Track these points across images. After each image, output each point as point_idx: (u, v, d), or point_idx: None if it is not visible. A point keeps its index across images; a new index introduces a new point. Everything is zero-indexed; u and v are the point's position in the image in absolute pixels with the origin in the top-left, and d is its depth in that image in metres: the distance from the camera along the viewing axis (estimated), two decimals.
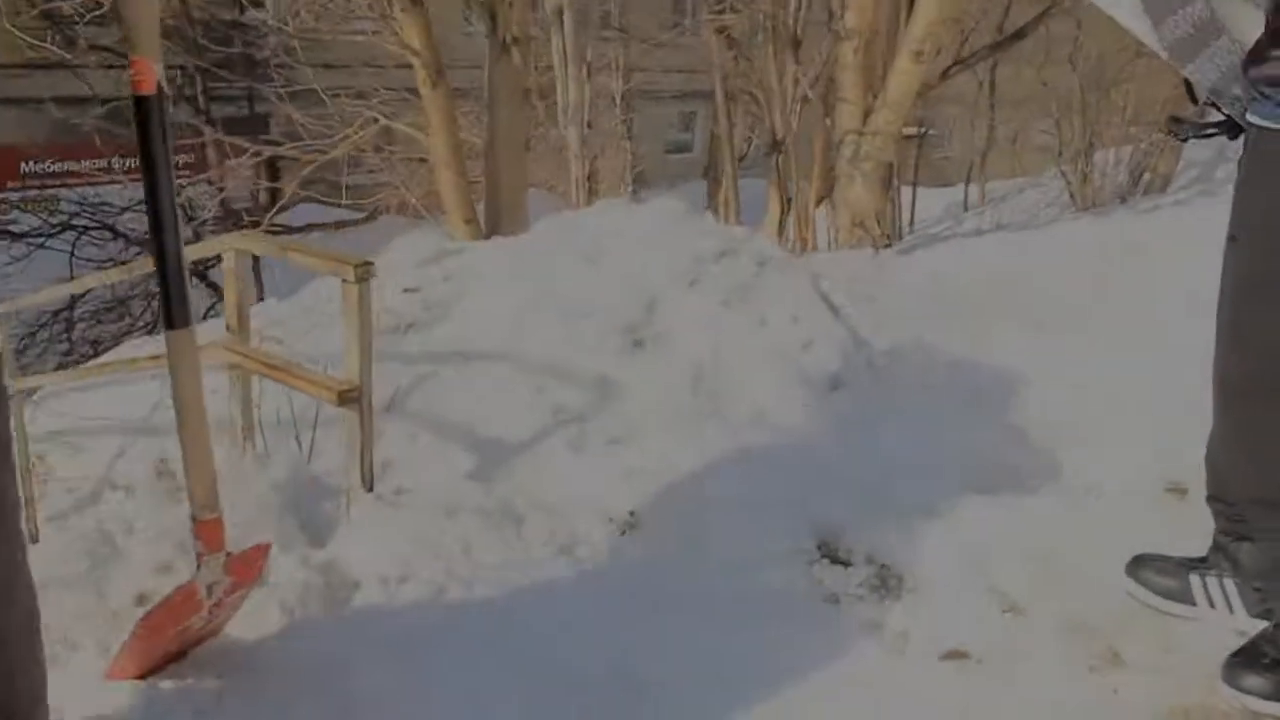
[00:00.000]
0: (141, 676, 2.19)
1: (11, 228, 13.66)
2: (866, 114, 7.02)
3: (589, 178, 7.08)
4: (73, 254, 12.94)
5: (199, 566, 2.12)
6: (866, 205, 7.08)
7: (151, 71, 1.70)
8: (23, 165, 16.84)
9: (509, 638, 2.48)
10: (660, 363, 3.72)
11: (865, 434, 3.34)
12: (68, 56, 10.99)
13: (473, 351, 3.97)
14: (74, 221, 13.26)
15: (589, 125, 7.03)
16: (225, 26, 12.66)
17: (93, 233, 13.15)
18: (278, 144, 9.65)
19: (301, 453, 3.59)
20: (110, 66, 14.89)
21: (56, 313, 12.71)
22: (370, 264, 2.91)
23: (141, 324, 13.41)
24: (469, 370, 3.86)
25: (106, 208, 13.55)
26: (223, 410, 3.59)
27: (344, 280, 2.92)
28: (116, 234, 13.21)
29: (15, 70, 12.89)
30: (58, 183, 18.23)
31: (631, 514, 3.07)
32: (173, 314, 1.87)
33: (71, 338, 12.95)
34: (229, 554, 2.15)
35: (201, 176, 11.34)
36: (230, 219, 13.53)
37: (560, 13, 6.12)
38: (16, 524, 1.41)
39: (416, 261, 5.26)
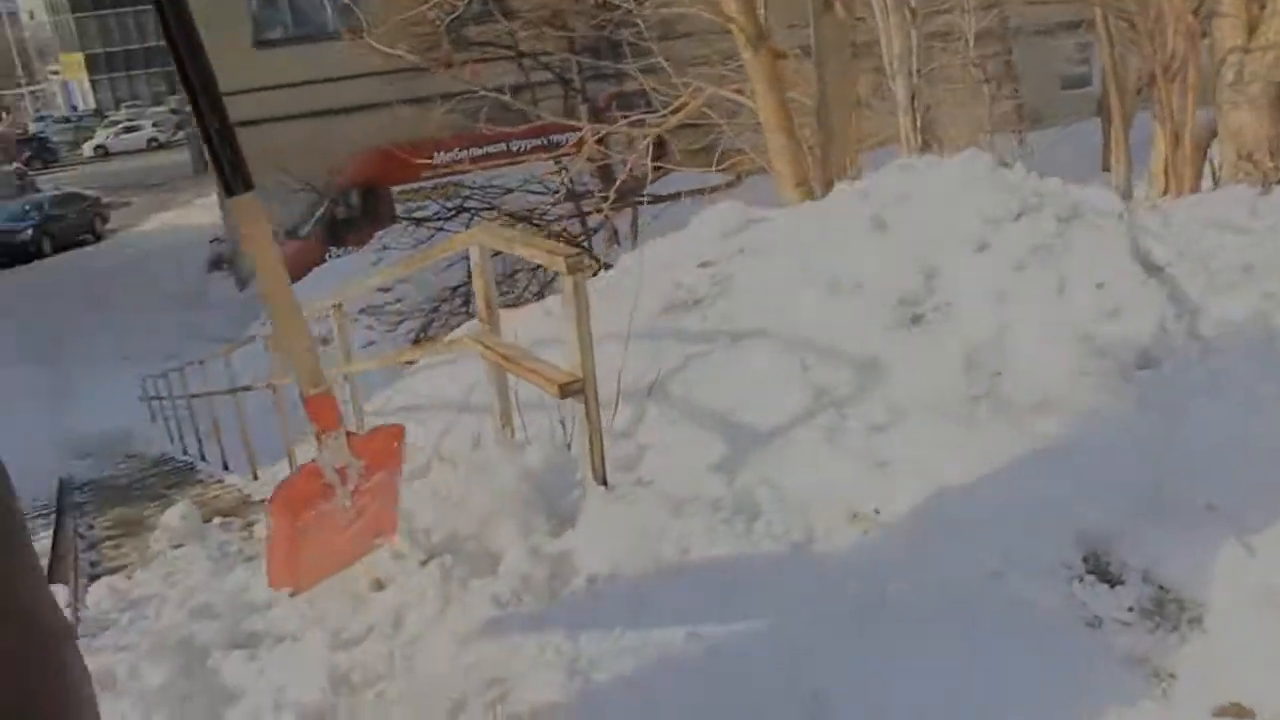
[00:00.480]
0: (304, 588, 2.19)
1: (417, 213, 15.17)
2: (1252, 28, 5.96)
3: (920, 130, 6.59)
4: None
5: (319, 446, 2.08)
6: (1255, 135, 6.03)
7: None
8: (436, 155, 18.71)
9: (703, 652, 2.33)
10: (935, 340, 3.34)
11: (1171, 421, 2.80)
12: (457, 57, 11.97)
13: (742, 330, 3.80)
14: (467, 204, 14.46)
15: (918, 73, 6.53)
16: (589, 14, 13.21)
17: (484, 213, 14.28)
18: (607, 120, 9.90)
19: (565, 436, 3.60)
20: (491, 59, 16.07)
21: (455, 288, 13.94)
22: (581, 254, 2.83)
23: (529, 295, 14.39)
24: (735, 350, 3.69)
25: (494, 189, 14.67)
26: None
27: (559, 272, 2.86)
28: (502, 213, 14.26)
29: (412, 73, 14.11)
30: (464, 169, 20.08)
31: (877, 512, 2.78)
32: (228, 180, 1.82)
33: (469, 310, 14.15)
34: (350, 434, 2.09)
35: (564, 154, 11.84)
36: (605, 191, 14.15)
37: None
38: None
39: (721, 233, 5.14)
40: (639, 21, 9.17)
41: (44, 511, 9.80)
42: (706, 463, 3.15)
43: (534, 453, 3.38)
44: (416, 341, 13.19)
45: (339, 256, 19.18)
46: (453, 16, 12.94)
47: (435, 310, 13.96)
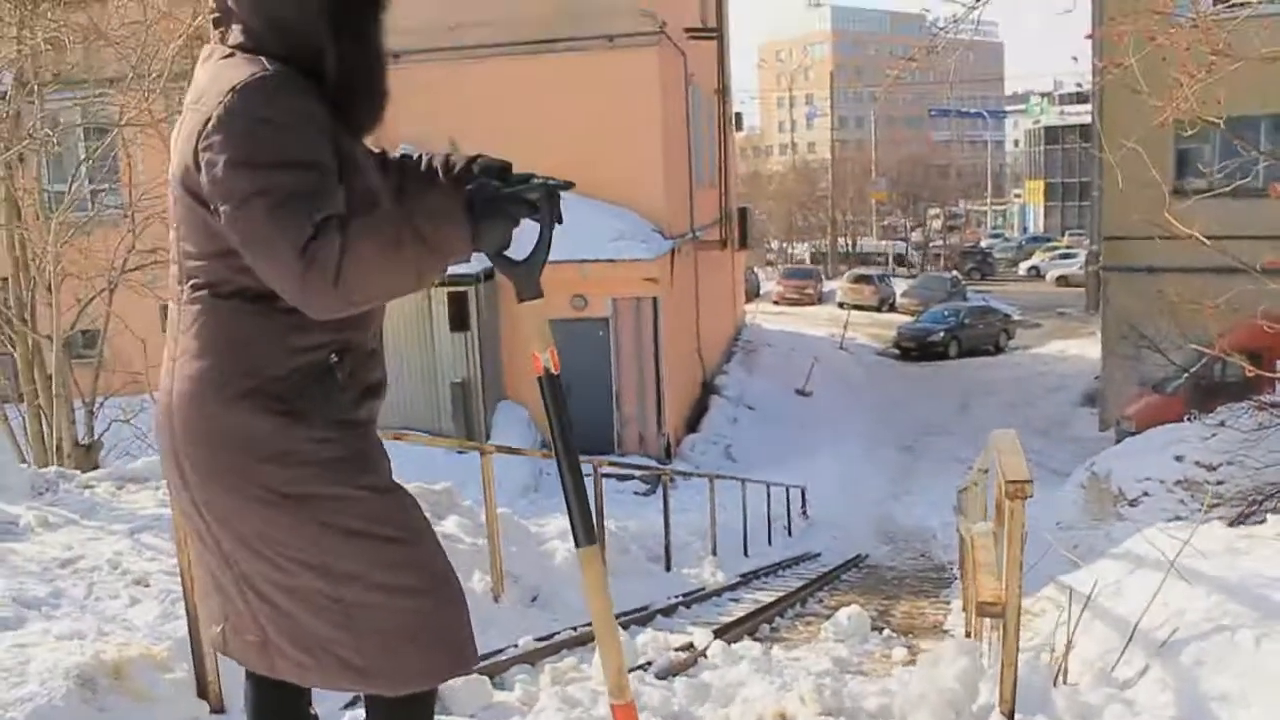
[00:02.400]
0: None
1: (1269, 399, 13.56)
2: None
3: None
4: None
5: None
6: None
7: (539, 360, 2.18)
8: None
9: None
10: None
11: None
12: None
13: None
14: None
15: None
16: None
17: None
18: None
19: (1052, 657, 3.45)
20: None
21: None
22: (1025, 483, 2.79)
23: None
24: None
25: None
26: None
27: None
28: None
29: None
30: None
31: None
32: (577, 535, 2.26)
33: None
34: None
35: None
36: None
37: None
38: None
39: None
40: None
41: (813, 578, 11.18)
42: None
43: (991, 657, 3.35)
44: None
45: (1193, 419, 17.95)
46: None
47: (1259, 502, 12.47)
